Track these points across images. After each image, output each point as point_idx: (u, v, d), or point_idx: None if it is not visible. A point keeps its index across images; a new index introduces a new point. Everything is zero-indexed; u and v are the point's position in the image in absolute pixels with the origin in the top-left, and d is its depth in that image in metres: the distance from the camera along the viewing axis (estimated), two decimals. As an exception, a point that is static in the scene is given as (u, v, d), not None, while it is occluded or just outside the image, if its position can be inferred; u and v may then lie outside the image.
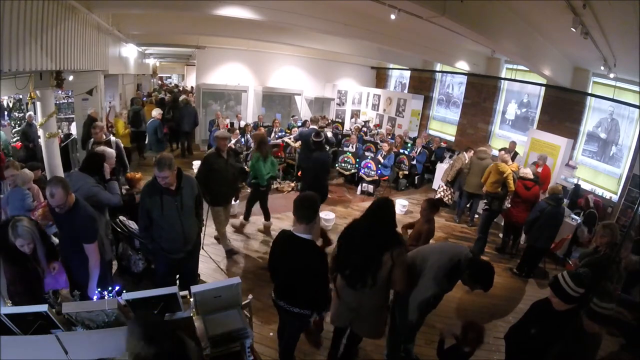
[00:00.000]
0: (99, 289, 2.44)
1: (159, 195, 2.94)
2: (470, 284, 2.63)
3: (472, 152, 7.34)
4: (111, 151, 4.04)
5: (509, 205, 5.65)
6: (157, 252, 3.20)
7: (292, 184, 7.62)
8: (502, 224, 6.14)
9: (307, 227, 2.38)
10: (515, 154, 7.48)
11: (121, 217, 3.88)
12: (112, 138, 5.02)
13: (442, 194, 7.47)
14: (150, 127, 7.69)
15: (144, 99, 12.78)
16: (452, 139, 10.13)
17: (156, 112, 7.86)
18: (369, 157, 7.79)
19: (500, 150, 6.45)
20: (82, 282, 2.94)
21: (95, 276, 2.81)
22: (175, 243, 3.12)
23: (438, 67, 10.59)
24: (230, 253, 4.87)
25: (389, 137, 9.24)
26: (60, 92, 7.95)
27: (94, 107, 7.39)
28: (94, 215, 2.81)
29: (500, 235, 6.14)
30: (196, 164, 8.29)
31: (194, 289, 2.09)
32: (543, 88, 7.81)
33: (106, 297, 2.26)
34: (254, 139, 5.38)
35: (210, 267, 4.59)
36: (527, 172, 5.44)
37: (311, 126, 6.76)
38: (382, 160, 7.68)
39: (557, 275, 2.30)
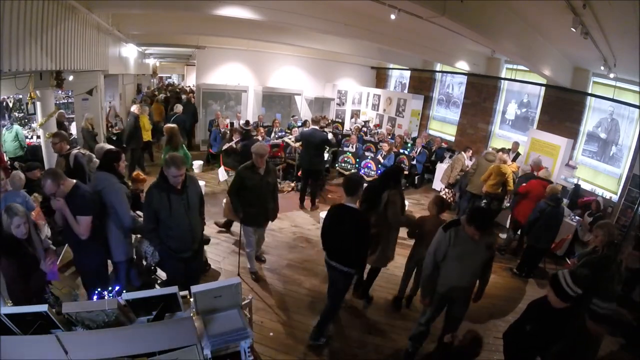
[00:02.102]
0: (99, 290, 2.44)
1: (166, 195, 2.96)
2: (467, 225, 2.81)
3: (470, 152, 7.35)
4: (111, 148, 4.03)
5: (507, 205, 5.68)
6: (165, 253, 3.21)
7: (292, 184, 7.62)
8: (507, 224, 6.15)
9: (352, 199, 3.12)
10: (517, 154, 7.49)
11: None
12: (74, 151, 4.47)
13: (444, 197, 7.45)
14: (178, 121, 8.06)
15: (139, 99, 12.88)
16: (452, 139, 10.12)
17: (179, 108, 8.50)
18: (369, 157, 7.79)
19: (499, 150, 6.45)
20: (87, 270, 3.03)
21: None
22: (184, 242, 3.15)
23: (438, 67, 10.58)
24: (254, 275, 4.45)
25: (389, 137, 9.24)
26: (60, 92, 7.96)
27: (136, 105, 7.78)
28: (93, 195, 2.99)
29: (501, 235, 6.14)
30: (196, 163, 8.33)
31: (194, 289, 2.10)
32: (543, 88, 7.80)
33: (106, 297, 2.26)
34: (165, 131, 5.42)
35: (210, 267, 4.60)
36: (548, 175, 5.49)
37: (312, 126, 6.75)
38: (382, 160, 7.69)
39: (558, 272, 2.29)
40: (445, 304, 3.13)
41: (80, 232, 2.87)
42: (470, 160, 7.12)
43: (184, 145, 5.47)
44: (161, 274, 4.09)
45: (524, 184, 5.63)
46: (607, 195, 6.47)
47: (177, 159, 2.92)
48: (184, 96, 12.58)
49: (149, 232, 3.17)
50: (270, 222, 4.44)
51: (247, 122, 5.67)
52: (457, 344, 2.53)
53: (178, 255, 3.15)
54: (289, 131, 8.96)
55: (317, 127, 6.67)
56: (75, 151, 4.42)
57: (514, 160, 7.14)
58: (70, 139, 7.11)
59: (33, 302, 2.58)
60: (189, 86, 18.55)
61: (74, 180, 2.93)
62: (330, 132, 8.68)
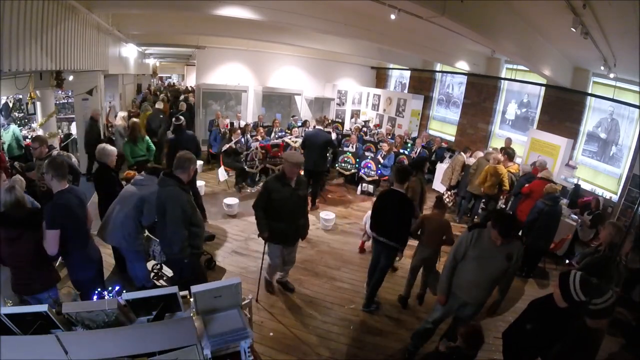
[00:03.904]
0: (99, 289, 2.43)
1: (187, 196, 2.97)
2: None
3: (470, 152, 7.35)
4: (112, 149, 4.05)
5: (502, 205, 5.69)
6: (193, 256, 3.09)
7: (292, 184, 7.60)
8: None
9: (400, 185, 3.68)
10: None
11: None
12: (54, 152, 4.47)
13: (447, 199, 7.45)
14: (184, 118, 8.74)
15: (139, 99, 12.98)
16: (452, 139, 10.12)
17: (184, 106, 8.97)
18: (369, 157, 7.78)
19: (501, 149, 6.45)
20: (80, 278, 2.98)
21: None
22: (203, 235, 3.25)
23: (438, 67, 10.58)
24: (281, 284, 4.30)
25: (389, 137, 9.24)
26: (60, 92, 7.96)
27: (162, 103, 8.38)
28: (64, 206, 2.69)
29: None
30: (197, 163, 8.34)
31: (194, 289, 2.09)
32: (543, 88, 7.80)
33: (106, 297, 2.26)
34: (129, 126, 5.69)
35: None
36: (549, 175, 5.51)
37: (317, 127, 6.71)
38: (382, 160, 7.68)
39: (572, 271, 2.26)
40: (457, 306, 3.12)
41: (45, 246, 2.66)
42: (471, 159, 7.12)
43: (147, 138, 5.69)
44: (167, 271, 4.16)
45: (527, 184, 5.63)
46: (607, 195, 6.47)
47: (189, 154, 3.02)
48: (183, 95, 12.63)
49: (184, 241, 2.91)
50: (300, 240, 4.02)
51: (177, 118, 5.69)
52: (457, 344, 2.52)
53: (199, 251, 3.24)
54: (289, 131, 8.95)
55: (321, 128, 6.61)
56: (55, 152, 4.49)
57: (511, 159, 7.11)
58: (71, 139, 7.19)
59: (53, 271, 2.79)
60: (191, 87, 18.62)
61: (67, 186, 2.77)
62: (330, 131, 8.70)
